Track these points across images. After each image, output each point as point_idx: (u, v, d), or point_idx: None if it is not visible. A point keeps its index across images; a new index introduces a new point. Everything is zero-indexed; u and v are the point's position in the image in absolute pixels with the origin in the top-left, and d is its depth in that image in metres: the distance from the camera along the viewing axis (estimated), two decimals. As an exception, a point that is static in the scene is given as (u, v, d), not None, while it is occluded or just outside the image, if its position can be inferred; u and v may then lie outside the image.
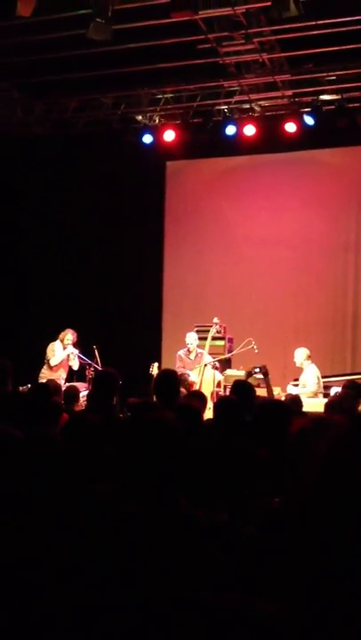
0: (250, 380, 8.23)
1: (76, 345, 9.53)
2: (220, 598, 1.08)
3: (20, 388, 7.33)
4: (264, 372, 7.29)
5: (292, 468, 1.92)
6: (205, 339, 9.61)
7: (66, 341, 9.44)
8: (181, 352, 9.62)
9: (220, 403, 3.76)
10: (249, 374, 7.26)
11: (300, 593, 0.80)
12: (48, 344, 9.56)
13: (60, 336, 9.51)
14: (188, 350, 9.56)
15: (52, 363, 9.35)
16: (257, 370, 7.42)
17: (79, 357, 9.49)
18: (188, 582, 2.13)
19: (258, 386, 7.06)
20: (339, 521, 0.77)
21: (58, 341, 9.48)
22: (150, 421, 2.46)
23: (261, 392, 6.87)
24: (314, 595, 0.78)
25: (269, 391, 6.97)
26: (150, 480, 2.32)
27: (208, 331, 9.69)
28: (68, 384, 8.59)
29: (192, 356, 9.53)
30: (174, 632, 1.18)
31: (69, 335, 9.46)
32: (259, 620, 0.95)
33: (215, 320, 9.67)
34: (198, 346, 9.61)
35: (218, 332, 9.74)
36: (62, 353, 9.42)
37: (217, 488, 2.83)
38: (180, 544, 2.21)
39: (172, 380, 4.79)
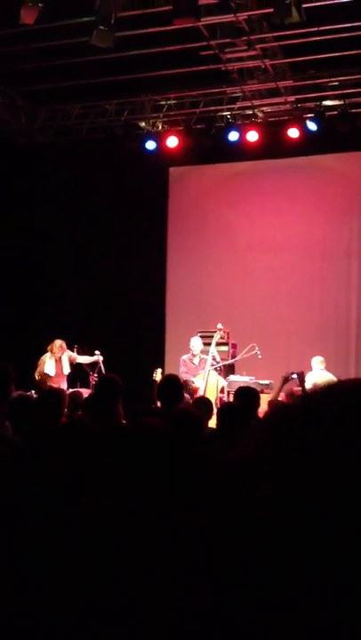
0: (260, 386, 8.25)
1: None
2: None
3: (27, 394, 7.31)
4: (301, 377, 7.23)
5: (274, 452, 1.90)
6: (209, 344, 9.60)
7: (56, 352, 9.21)
8: (185, 357, 9.61)
9: (223, 410, 3.74)
10: (286, 379, 7.21)
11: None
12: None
13: (50, 347, 9.27)
14: (193, 355, 9.54)
15: (50, 373, 9.10)
16: (294, 376, 7.39)
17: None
18: (184, 583, 2.13)
19: (262, 392, 7.03)
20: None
21: (48, 353, 9.26)
22: (134, 427, 2.45)
23: (265, 397, 6.84)
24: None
25: None
26: (137, 485, 2.31)
27: (212, 336, 9.68)
28: (72, 390, 8.57)
29: (196, 360, 9.52)
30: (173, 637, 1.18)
31: (58, 343, 9.24)
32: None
33: (219, 326, 9.66)
34: (202, 351, 9.60)
35: (222, 337, 9.73)
36: (88, 359, 9.42)
37: (216, 492, 2.83)
38: (171, 546, 2.20)
39: (175, 385, 4.77)
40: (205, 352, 9.55)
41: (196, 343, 9.55)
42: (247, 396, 4.30)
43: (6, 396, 3.45)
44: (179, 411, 3.90)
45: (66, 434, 3.01)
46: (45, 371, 9.12)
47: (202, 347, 9.57)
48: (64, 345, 9.36)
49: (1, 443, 2.64)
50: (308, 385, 8.51)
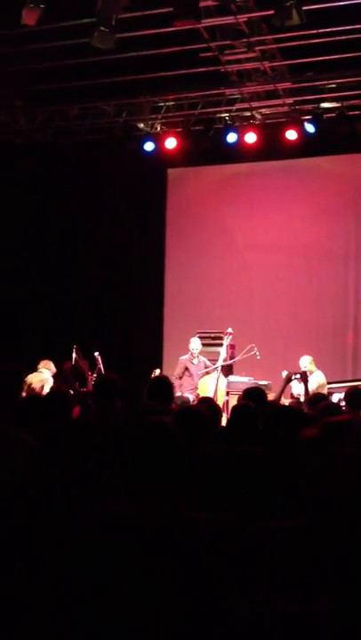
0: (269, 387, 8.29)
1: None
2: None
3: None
4: (305, 378, 7.26)
5: (314, 473, 1.93)
6: (208, 345, 9.65)
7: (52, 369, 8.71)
8: (184, 357, 9.63)
9: (237, 410, 3.76)
10: (289, 379, 7.24)
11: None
12: (42, 358, 8.77)
13: (49, 367, 8.68)
14: (192, 355, 9.57)
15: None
16: (298, 376, 7.42)
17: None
18: (190, 585, 2.14)
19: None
20: None
21: (46, 370, 8.63)
22: (147, 425, 2.44)
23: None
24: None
25: (306, 396, 6.95)
26: (148, 484, 2.31)
27: (211, 337, 9.72)
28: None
29: (195, 361, 9.55)
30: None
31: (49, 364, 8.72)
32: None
33: (229, 330, 9.68)
34: (201, 352, 9.64)
35: (209, 336, 9.80)
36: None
37: (225, 491, 2.85)
38: (181, 546, 2.21)
39: (165, 385, 4.74)
40: (202, 353, 9.61)
41: (195, 344, 9.57)
42: (255, 396, 4.33)
43: (15, 395, 3.46)
44: (183, 409, 3.92)
45: (73, 434, 3.03)
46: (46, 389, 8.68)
47: (201, 347, 9.61)
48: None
49: (15, 444, 2.65)
50: (314, 385, 8.55)
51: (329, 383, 9.13)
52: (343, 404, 6.79)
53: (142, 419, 3.09)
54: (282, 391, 7.10)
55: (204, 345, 9.74)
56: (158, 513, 2.22)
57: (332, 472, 1.66)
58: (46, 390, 8.39)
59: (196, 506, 2.37)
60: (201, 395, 8.86)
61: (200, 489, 2.77)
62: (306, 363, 8.79)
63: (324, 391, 8.60)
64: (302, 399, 7.52)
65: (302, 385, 8.59)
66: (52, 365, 8.96)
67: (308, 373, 7.67)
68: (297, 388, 8.58)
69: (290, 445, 2.89)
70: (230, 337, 9.66)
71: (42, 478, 2.50)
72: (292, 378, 7.35)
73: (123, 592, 2.10)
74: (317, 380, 8.66)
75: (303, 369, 8.64)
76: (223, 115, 10.72)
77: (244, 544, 2.06)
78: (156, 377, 5.98)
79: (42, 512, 2.35)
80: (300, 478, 2.07)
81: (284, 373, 8.67)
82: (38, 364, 9.00)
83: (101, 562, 2.16)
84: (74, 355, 9.67)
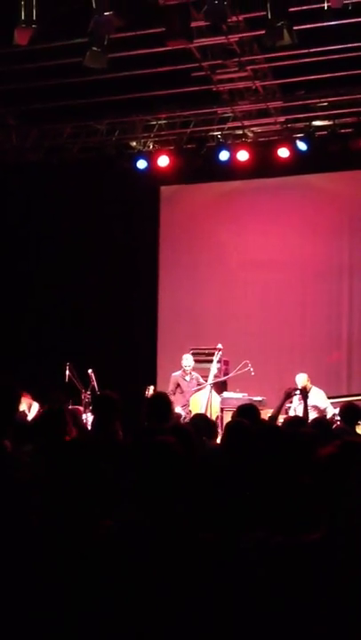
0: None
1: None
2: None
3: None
4: (304, 393, 7.22)
5: (333, 495, 1.92)
6: (202, 361, 9.64)
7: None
8: (177, 374, 9.63)
9: (231, 428, 3.74)
10: (288, 395, 7.20)
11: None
12: (36, 377, 8.91)
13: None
14: (184, 372, 9.56)
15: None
16: (297, 392, 7.39)
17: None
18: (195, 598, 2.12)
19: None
20: None
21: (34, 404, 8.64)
22: (152, 445, 2.45)
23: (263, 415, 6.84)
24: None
25: (305, 413, 6.92)
26: (154, 504, 2.31)
27: (205, 354, 9.71)
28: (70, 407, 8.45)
29: (187, 377, 9.54)
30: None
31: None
32: None
33: (219, 345, 9.67)
34: (195, 369, 9.62)
35: (203, 353, 9.78)
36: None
37: (226, 509, 2.82)
38: (188, 567, 2.20)
39: (164, 403, 4.70)
40: (196, 370, 9.60)
41: (188, 361, 9.57)
42: (249, 413, 4.31)
43: (13, 415, 3.43)
44: (172, 427, 3.89)
45: (69, 453, 3.00)
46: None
47: (193, 364, 9.60)
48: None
49: (11, 460, 2.62)
50: (320, 402, 8.52)
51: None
52: (338, 419, 6.78)
53: (141, 439, 3.08)
54: (280, 408, 7.06)
55: (197, 362, 9.73)
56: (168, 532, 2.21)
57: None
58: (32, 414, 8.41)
59: (198, 524, 2.35)
60: (193, 411, 8.84)
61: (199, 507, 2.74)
62: (303, 379, 8.77)
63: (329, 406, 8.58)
64: (301, 415, 7.52)
65: (302, 402, 8.57)
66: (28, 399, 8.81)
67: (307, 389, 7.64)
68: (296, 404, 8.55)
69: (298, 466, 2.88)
70: (220, 353, 9.65)
71: (43, 499, 2.48)
72: (292, 394, 7.32)
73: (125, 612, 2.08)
74: (321, 396, 8.65)
75: (302, 385, 8.60)
76: (215, 133, 10.79)
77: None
78: (155, 394, 5.94)
79: (43, 532, 2.33)
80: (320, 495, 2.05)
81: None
82: (32, 383, 8.88)
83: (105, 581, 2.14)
84: (67, 372, 9.65)
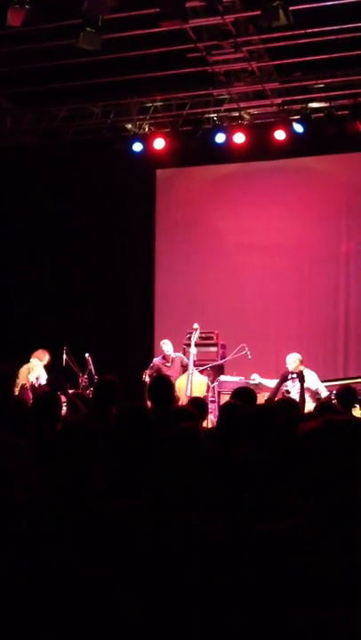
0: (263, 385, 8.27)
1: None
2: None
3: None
4: (301, 377, 7.21)
5: (313, 469, 1.91)
6: (200, 345, 9.67)
7: (44, 359, 8.95)
8: (157, 359, 9.67)
9: (225, 409, 3.74)
10: (285, 378, 7.20)
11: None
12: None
13: (41, 357, 8.96)
14: (164, 357, 9.59)
15: (43, 382, 8.77)
16: (294, 375, 7.38)
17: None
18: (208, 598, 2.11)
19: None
20: None
21: (35, 360, 8.88)
22: (179, 433, 2.39)
23: (260, 398, 6.86)
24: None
25: (302, 397, 6.93)
26: (173, 494, 2.26)
27: (201, 337, 9.71)
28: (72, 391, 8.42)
29: (168, 364, 9.57)
30: None
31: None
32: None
33: (195, 326, 9.71)
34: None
35: (200, 336, 9.77)
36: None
37: (220, 497, 2.83)
38: (199, 560, 2.17)
39: (167, 385, 4.70)
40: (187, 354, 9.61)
41: (168, 346, 9.59)
42: (245, 396, 4.31)
43: (8, 399, 3.42)
44: (175, 411, 3.89)
45: (67, 437, 2.99)
46: (41, 381, 8.85)
47: (172, 349, 9.61)
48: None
49: (7, 448, 2.62)
50: (311, 384, 8.50)
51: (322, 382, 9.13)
52: (335, 401, 6.79)
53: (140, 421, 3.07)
54: (276, 390, 7.08)
55: (195, 345, 9.72)
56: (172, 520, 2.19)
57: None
58: (34, 379, 8.50)
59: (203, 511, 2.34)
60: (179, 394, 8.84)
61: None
62: (295, 359, 8.67)
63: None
64: (298, 398, 7.54)
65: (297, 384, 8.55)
66: (45, 355, 9.00)
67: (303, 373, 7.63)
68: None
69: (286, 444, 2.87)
70: (197, 332, 9.63)
71: (38, 484, 2.47)
72: (288, 377, 7.33)
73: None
74: (313, 377, 8.63)
75: (293, 365, 8.52)
76: (211, 115, 10.72)
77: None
78: (157, 377, 5.92)
79: (40, 519, 2.32)
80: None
81: (255, 376, 8.65)
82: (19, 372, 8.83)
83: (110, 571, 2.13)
84: (64, 356, 9.64)
